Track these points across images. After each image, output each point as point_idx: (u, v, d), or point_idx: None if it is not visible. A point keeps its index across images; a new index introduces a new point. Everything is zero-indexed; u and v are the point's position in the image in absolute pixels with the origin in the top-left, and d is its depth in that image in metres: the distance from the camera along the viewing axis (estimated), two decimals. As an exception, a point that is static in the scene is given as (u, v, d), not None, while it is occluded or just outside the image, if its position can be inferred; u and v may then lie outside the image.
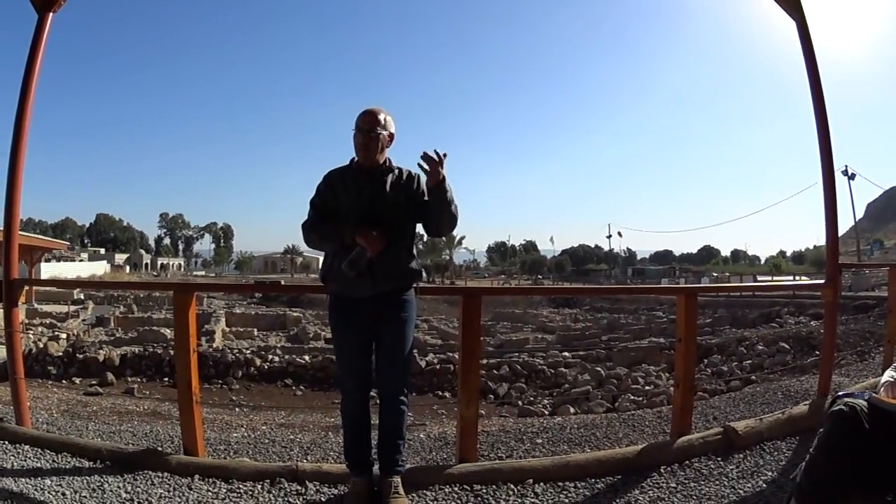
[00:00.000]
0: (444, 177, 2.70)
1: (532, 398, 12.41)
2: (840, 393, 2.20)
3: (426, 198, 2.82)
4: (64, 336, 17.42)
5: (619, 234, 75.31)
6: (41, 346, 14.23)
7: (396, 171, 2.84)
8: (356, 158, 2.83)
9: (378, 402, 2.92)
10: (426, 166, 2.68)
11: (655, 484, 3.06)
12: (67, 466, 3.18)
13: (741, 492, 2.94)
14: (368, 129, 2.74)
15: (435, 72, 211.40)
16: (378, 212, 2.74)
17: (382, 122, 2.77)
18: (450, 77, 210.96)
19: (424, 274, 2.96)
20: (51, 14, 3.66)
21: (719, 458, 3.32)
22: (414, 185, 2.85)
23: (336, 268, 2.75)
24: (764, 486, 2.99)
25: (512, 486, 3.00)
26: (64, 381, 12.47)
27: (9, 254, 3.70)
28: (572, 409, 10.10)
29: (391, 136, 2.83)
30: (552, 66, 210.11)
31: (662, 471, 3.19)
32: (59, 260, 58.06)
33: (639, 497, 2.93)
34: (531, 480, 3.05)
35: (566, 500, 2.90)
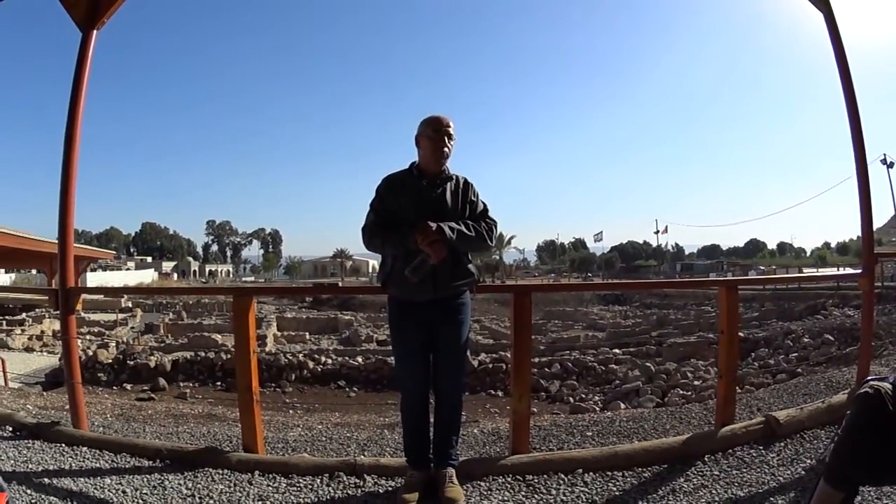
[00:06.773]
0: (442, 240, 2.70)
1: (583, 395, 12.48)
2: (870, 377, 2.28)
3: (478, 209, 2.93)
4: (113, 343, 17.59)
5: (666, 229, 74.01)
6: (90, 353, 14.37)
7: (454, 179, 2.92)
8: (417, 164, 2.92)
9: (434, 399, 3.03)
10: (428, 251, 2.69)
11: (699, 472, 3.14)
12: (127, 466, 3.26)
13: (781, 479, 3.01)
14: (446, 136, 2.83)
15: (482, 77, 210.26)
16: (440, 219, 2.74)
17: (453, 130, 2.86)
18: (498, 80, 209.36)
19: (478, 275, 3.08)
20: (94, 32, 3.77)
21: (761, 447, 3.40)
22: (470, 193, 2.93)
23: (398, 272, 2.81)
24: (803, 472, 3.06)
25: (562, 476, 3.11)
26: (115, 388, 12.57)
27: (65, 263, 3.80)
28: (623, 405, 10.17)
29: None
30: (600, 64, 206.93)
31: (706, 459, 3.27)
32: (104, 269, 58.25)
33: (683, 485, 3.01)
34: (581, 470, 3.16)
35: (614, 489, 3.00)
